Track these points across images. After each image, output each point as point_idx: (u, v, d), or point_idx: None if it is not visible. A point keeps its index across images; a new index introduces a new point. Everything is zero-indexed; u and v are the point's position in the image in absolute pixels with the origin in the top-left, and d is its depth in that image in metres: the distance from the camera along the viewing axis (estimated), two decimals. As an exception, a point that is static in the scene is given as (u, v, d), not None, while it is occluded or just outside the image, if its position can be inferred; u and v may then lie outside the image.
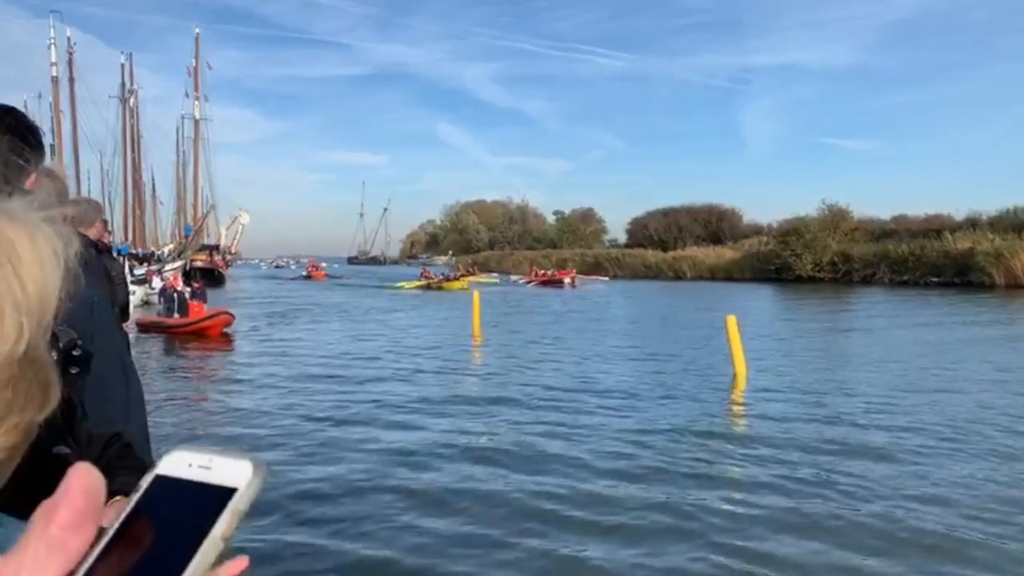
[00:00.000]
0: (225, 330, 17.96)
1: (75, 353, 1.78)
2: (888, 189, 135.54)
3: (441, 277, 45.35)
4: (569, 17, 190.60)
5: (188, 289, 19.36)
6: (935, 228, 48.53)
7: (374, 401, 9.99)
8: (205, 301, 18.34)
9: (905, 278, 45.49)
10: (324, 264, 72.65)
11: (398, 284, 43.46)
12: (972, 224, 47.16)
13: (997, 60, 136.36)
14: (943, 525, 5.44)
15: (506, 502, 5.97)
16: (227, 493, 0.42)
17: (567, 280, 47.36)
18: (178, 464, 0.44)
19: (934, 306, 28.33)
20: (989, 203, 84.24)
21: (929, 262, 45.13)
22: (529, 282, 48.52)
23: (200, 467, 0.43)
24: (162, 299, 19.38)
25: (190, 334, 17.33)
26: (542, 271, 52.73)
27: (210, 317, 17.62)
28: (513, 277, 53.68)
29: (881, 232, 52.78)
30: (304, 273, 63.64)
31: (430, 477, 6.59)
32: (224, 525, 0.41)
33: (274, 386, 11.20)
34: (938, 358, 14.26)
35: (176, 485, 0.43)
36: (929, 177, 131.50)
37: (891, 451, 7.47)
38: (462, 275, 47.44)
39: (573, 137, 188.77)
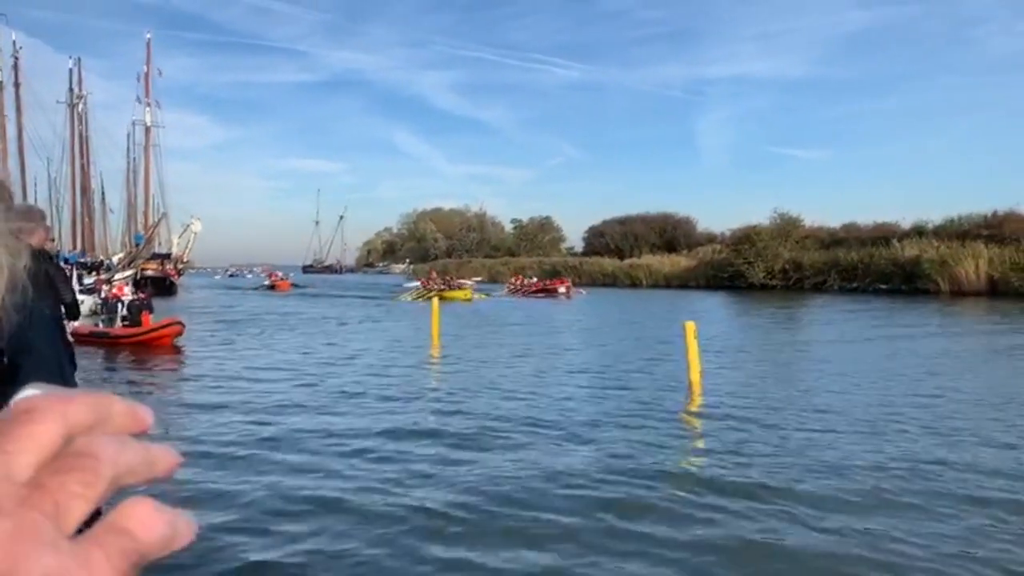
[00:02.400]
0: (175, 341, 17.60)
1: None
2: (838, 198, 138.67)
3: (443, 286, 43.46)
4: (527, 27, 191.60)
5: (134, 299, 18.89)
6: (883, 236, 49.59)
7: (342, 422, 9.85)
8: (151, 311, 17.93)
9: (855, 285, 46.40)
10: (280, 273, 71.17)
11: (401, 296, 41.69)
12: (918, 232, 48.27)
13: (943, 73, 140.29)
14: (892, 531, 5.53)
15: (449, 517, 5.92)
16: None
17: (562, 290, 45.90)
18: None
19: (882, 312, 28.94)
20: (934, 212, 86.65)
21: (878, 269, 46.09)
22: (521, 291, 46.78)
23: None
24: (104, 309, 18.94)
25: (137, 345, 16.94)
26: (534, 280, 51.41)
27: (159, 328, 17.25)
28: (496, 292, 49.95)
29: (831, 240, 53.76)
30: (266, 283, 61.91)
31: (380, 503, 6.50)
32: None
33: (229, 406, 10.93)
34: (884, 362, 14.56)
35: None
36: (877, 186, 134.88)
37: (838, 454, 7.58)
38: (441, 287, 44.11)
39: (532, 146, 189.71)
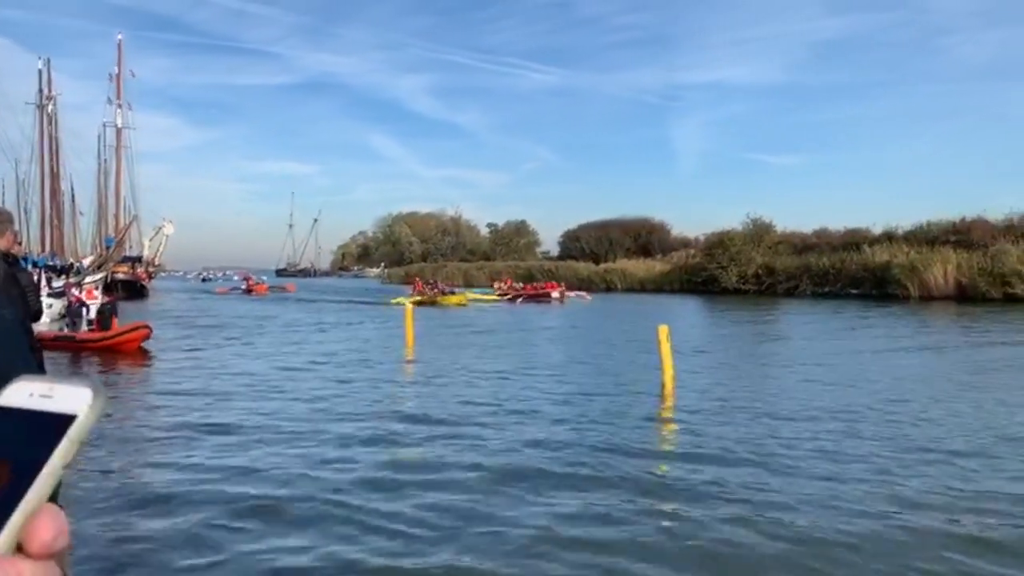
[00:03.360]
0: (143, 345, 17.32)
1: None
2: (811, 204, 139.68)
3: (437, 291, 41.94)
4: (503, 31, 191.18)
5: (106, 302, 18.55)
6: (854, 241, 50.15)
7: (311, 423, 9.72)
8: (116, 315, 17.61)
9: (826, 290, 46.90)
10: (254, 277, 70.22)
11: (393, 300, 39.25)
12: (889, 238, 48.86)
13: (914, 81, 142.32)
14: (863, 528, 5.53)
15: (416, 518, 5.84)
16: (68, 420, 0.42)
17: (555, 295, 44.64)
18: (19, 394, 0.44)
19: (852, 317, 29.22)
20: (904, 218, 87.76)
21: (849, 274, 46.63)
22: (515, 297, 44.60)
23: (41, 396, 0.44)
24: (68, 313, 18.60)
25: (103, 349, 16.64)
26: (526, 284, 49.88)
27: (126, 331, 16.96)
28: (475, 291, 48.19)
29: (803, 245, 54.28)
30: (243, 286, 60.04)
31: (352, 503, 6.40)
32: (63, 452, 0.42)
33: (197, 408, 10.77)
34: (855, 365, 14.68)
35: (17, 415, 0.43)
36: (849, 192, 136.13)
37: (810, 455, 7.60)
38: (436, 292, 42.26)
39: (508, 150, 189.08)
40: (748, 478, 6.93)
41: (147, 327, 17.33)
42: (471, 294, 44.60)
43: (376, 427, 9.18)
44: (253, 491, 6.53)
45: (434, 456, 7.81)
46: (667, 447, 8.50)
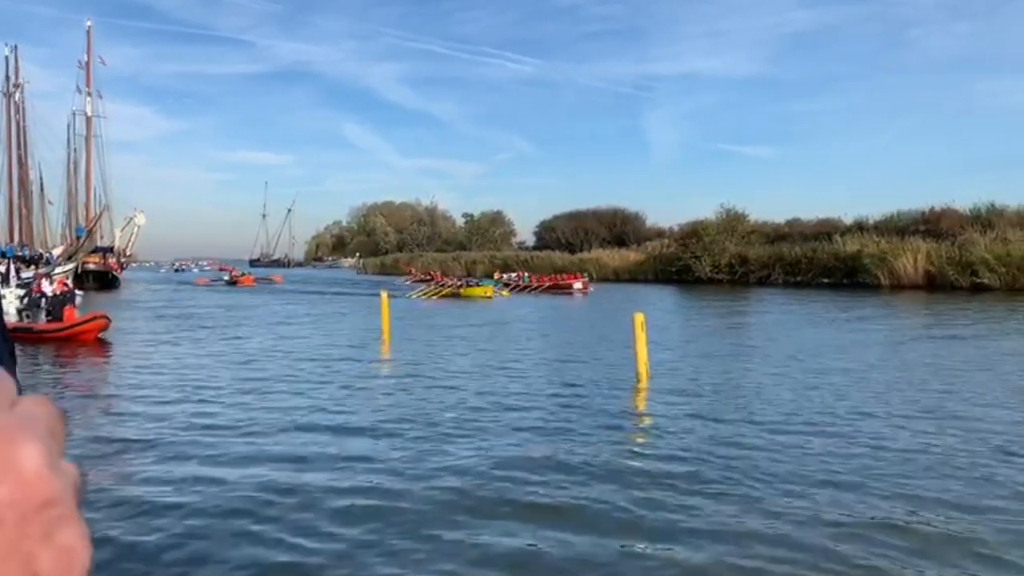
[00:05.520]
0: (102, 335, 16.98)
1: None
2: (783, 194, 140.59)
3: (458, 282, 39.91)
4: (477, 20, 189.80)
5: (57, 294, 18.08)
6: (826, 231, 50.47)
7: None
8: (75, 306, 17.25)
9: (799, 279, 47.21)
10: (238, 268, 68.72)
11: (412, 294, 37.43)
12: (859, 228, 49.22)
13: (883, 73, 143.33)
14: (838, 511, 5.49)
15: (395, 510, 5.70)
16: None
17: (577, 286, 42.07)
18: None
19: (823, 306, 29.36)
20: (875, 208, 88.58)
21: (821, 264, 46.96)
22: (518, 288, 42.51)
23: None
24: (29, 303, 18.17)
25: (60, 340, 16.30)
26: (549, 275, 47.06)
27: (84, 322, 16.62)
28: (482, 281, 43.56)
29: (776, 235, 54.57)
30: (225, 278, 58.09)
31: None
32: None
33: (158, 399, 10.55)
34: (826, 353, 14.71)
35: None
36: (821, 183, 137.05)
37: (784, 441, 7.58)
38: (458, 284, 39.94)
39: (483, 140, 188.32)
40: (719, 461, 6.87)
41: (105, 318, 17.00)
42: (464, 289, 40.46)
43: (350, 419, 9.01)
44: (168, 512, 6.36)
45: (409, 446, 7.66)
46: (640, 438, 8.41)
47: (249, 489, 6.25)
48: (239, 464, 7.01)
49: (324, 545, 5.11)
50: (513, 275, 48.17)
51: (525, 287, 43.32)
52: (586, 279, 44.35)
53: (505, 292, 40.45)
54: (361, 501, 5.96)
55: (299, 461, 7.10)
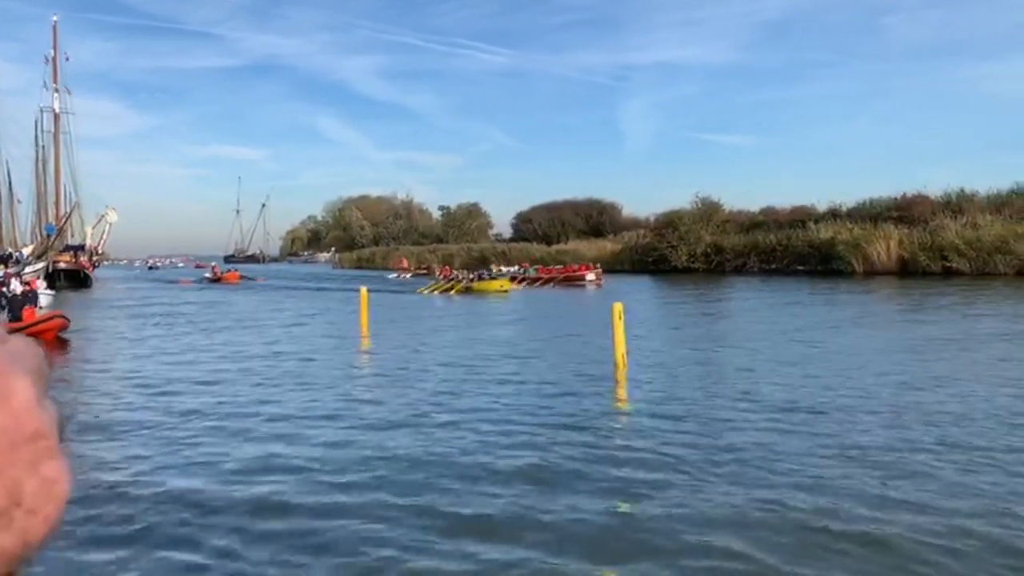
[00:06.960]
0: (61, 335, 16.57)
1: None
2: (758, 182, 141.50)
3: (470, 276, 38.26)
4: (451, 11, 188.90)
5: (15, 294, 17.59)
6: (800, 219, 50.62)
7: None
8: (36, 305, 16.83)
9: (774, 267, 47.40)
10: (219, 265, 66.97)
11: (422, 289, 36.14)
12: (833, 215, 49.43)
13: (856, 60, 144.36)
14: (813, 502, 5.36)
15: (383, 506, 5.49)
16: None
17: (590, 277, 41.02)
18: None
19: (797, 292, 29.45)
20: (848, 195, 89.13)
21: (795, 251, 47.15)
22: (547, 281, 41.42)
23: None
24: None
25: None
26: (559, 266, 45.73)
27: (41, 322, 16.20)
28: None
29: (751, 224, 54.69)
30: (207, 275, 56.17)
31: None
32: None
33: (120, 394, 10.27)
34: (793, 341, 14.67)
35: None
36: (794, 170, 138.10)
37: (760, 427, 7.51)
38: (471, 278, 38.31)
39: (460, 132, 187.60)
40: (695, 445, 6.73)
41: (63, 317, 16.62)
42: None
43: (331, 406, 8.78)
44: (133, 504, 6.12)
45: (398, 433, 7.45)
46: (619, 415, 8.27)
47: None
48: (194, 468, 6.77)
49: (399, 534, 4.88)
50: (515, 268, 46.50)
51: (535, 280, 42.17)
52: (599, 269, 43.23)
53: (512, 284, 38.44)
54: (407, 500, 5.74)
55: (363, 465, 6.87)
